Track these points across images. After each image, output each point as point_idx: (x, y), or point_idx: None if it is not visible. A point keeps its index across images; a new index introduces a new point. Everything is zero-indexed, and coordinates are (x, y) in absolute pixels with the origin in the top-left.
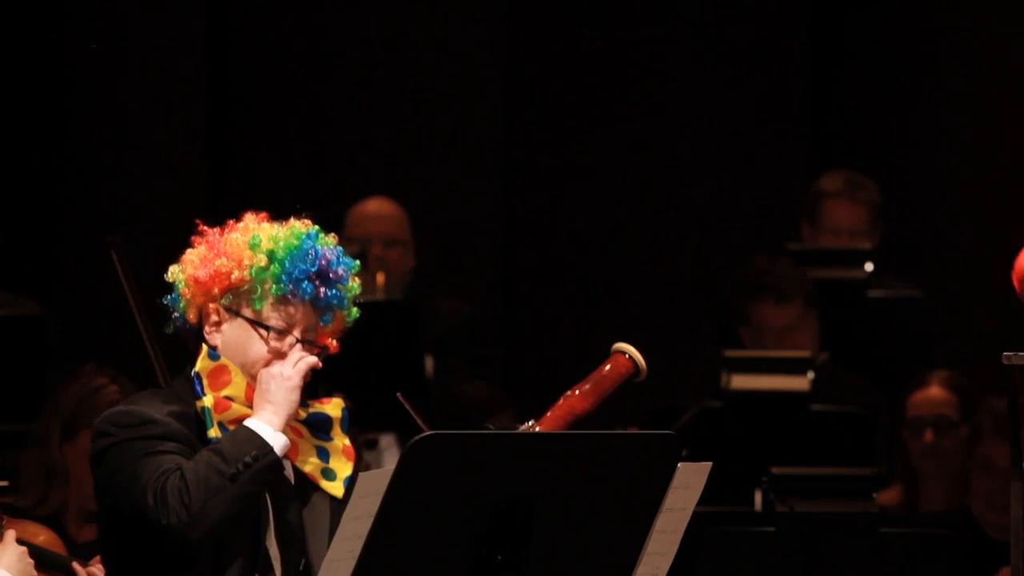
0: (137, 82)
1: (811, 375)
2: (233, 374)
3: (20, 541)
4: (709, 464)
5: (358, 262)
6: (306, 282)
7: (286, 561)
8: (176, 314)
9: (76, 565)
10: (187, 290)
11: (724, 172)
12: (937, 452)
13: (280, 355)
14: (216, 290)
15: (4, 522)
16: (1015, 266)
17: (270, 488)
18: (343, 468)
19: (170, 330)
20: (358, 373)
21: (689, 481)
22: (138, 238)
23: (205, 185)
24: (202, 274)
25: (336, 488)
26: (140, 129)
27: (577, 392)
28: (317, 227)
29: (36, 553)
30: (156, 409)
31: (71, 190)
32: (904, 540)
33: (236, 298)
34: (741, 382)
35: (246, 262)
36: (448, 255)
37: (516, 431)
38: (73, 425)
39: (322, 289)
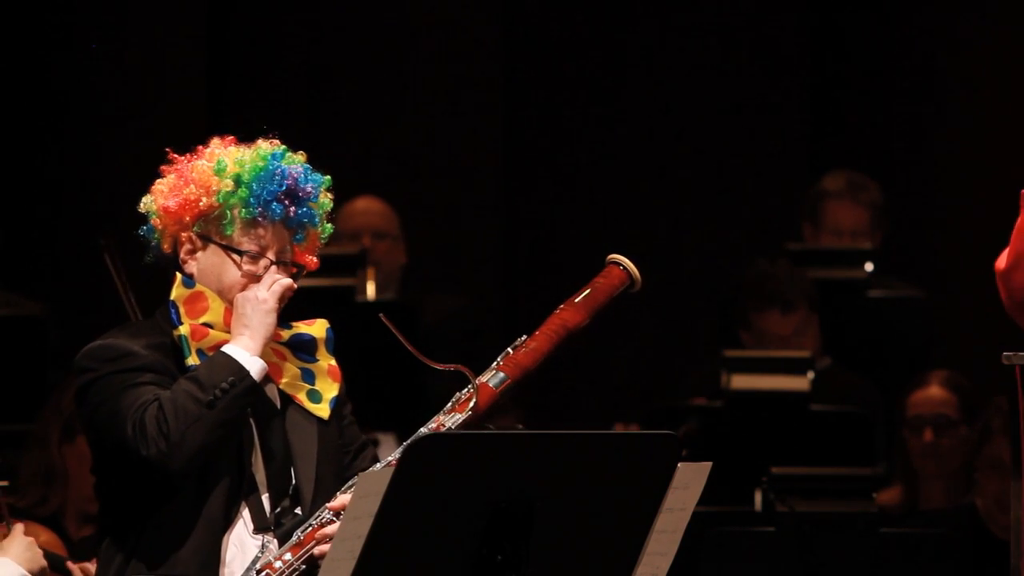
0: (137, 82)
1: (811, 375)
2: (210, 300)
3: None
4: (709, 464)
5: (328, 177)
6: (275, 203)
7: (272, 483)
8: (153, 244)
9: (70, 564)
10: (159, 220)
11: (725, 172)
12: (937, 452)
13: (255, 278)
14: (187, 218)
15: (9, 518)
16: (996, 267)
17: (254, 411)
18: (329, 389)
19: (150, 259)
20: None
21: (689, 481)
22: (138, 238)
23: None
24: (172, 203)
25: (322, 410)
26: (140, 129)
27: (569, 305)
28: (284, 147)
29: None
30: (135, 341)
31: (71, 190)
32: (904, 540)
33: (207, 225)
34: (741, 382)
35: (214, 188)
36: (448, 254)
37: (516, 431)
38: (73, 426)
39: (292, 208)
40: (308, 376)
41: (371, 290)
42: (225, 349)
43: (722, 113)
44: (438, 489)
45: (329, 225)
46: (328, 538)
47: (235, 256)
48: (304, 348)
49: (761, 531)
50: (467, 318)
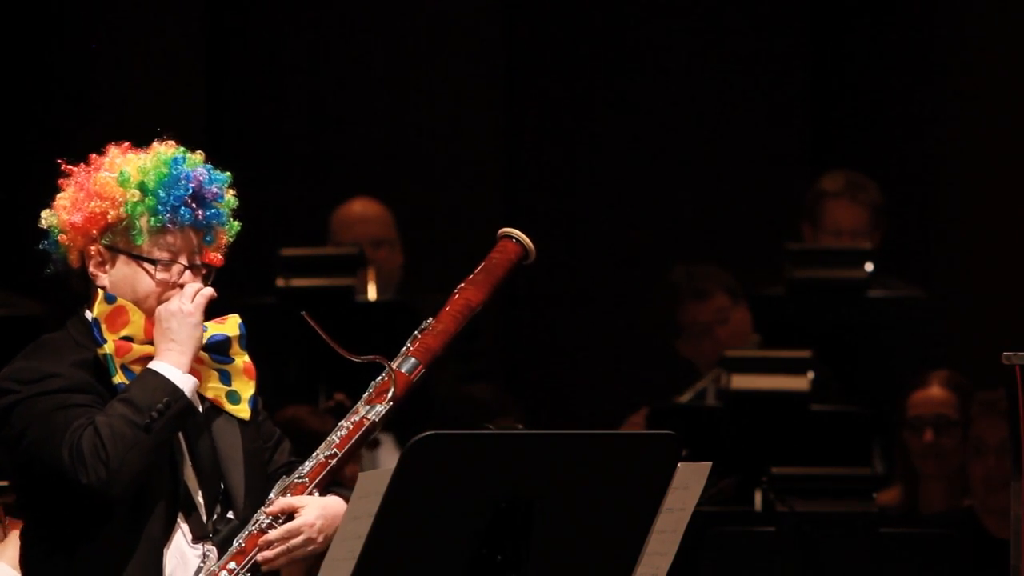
0: (137, 82)
1: (811, 375)
2: (131, 313)
3: None
4: (709, 464)
5: (229, 173)
6: (182, 208)
7: (205, 491)
8: (57, 258)
9: None
10: (65, 236)
11: (725, 172)
12: (937, 452)
13: (170, 286)
14: (94, 232)
15: (7, 521)
16: None
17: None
18: (246, 388)
19: (51, 271)
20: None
21: (689, 481)
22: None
23: None
24: (78, 219)
25: (242, 411)
26: (140, 129)
27: (470, 284)
28: (182, 149)
29: None
30: (57, 360)
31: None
32: (904, 540)
33: (115, 236)
34: (741, 382)
35: (119, 199)
36: (447, 255)
37: (516, 431)
38: None
39: (200, 211)
40: (225, 377)
41: (372, 291)
42: (155, 367)
43: (722, 113)
44: (438, 489)
45: (236, 223)
46: (270, 544)
47: (147, 266)
48: (218, 349)
49: (761, 531)
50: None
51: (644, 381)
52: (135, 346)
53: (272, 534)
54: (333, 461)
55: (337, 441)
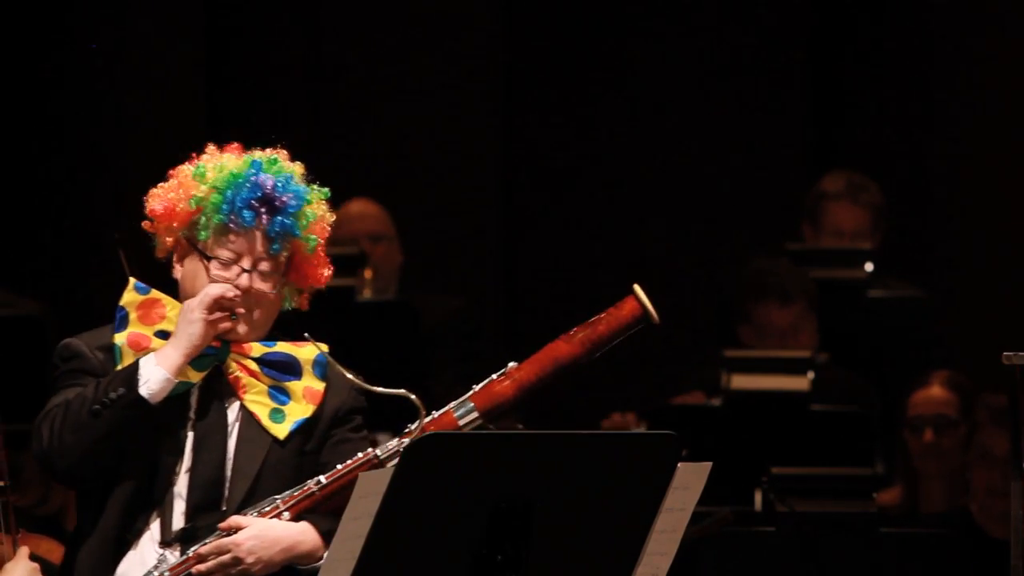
0: (137, 81)
1: (811, 375)
2: (168, 308)
3: (34, 557)
4: (709, 464)
5: (324, 189)
6: (246, 210)
7: (191, 497)
8: (155, 244)
9: None
10: (151, 224)
11: (725, 172)
12: (937, 451)
13: (243, 290)
14: (175, 223)
15: (20, 536)
16: None
17: (196, 421)
18: (298, 411)
19: (162, 259)
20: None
21: (689, 481)
22: (138, 237)
23: None
24: (159, 207)
25: (279, 430)
26: (141, 128)
27: (568, 337)
28: (275, 156)
29: (47, 569)
30: (93, 341)
31: (71, 189)
32: (904, 540)
33: (190, 230)
34: (741, 382)
35: (192, 192)
36: (447, 253)
37: (516, 431)
38: None
39: (265, 216)
40: (280, 395)
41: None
42: (144, 358)
43: (722, 113)
44: (438, 489)
45: (314, 237)
46: (202, 558)
47: (205, 261)
48: (279, 367)
49: (761, 531)
50: (467, 318)
51: (645, 382)
52: (156, 341)
53: (203, 548)
54: (317, 491)
55: (337, 470)
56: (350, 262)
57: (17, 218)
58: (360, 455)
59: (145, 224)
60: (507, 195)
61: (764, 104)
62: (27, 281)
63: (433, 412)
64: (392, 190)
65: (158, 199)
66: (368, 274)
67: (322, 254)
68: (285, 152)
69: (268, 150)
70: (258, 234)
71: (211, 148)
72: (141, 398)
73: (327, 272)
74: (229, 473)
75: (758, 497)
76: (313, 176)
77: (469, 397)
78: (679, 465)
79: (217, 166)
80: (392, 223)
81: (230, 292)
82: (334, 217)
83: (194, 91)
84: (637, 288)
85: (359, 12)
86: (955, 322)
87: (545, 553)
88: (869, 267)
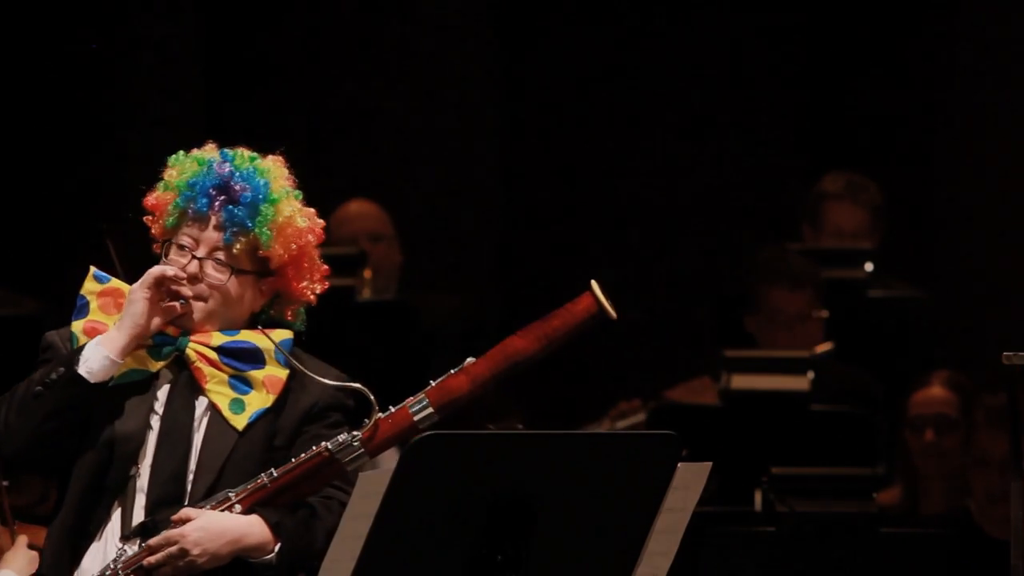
0: (137, 80)
1: (811, 375)
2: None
3: (31, 546)
4: (709, 464)
5: (297, 192)
6: (202, 196)
7: (152, 491)
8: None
9: None
10: (150, 220)
11: (725, 172)
12: (938, 451)
13: (191, 276)
14: (159, 216)
15: (16, 527)
16: None
17: (164, 415)
18: (258, 401)
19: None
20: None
21: (689, 481)
22: (138, 236)
23: None
24: (151, 201)
25: (238, 421)
26: (140, 128)
27: (524, 332)
28: (253, 154)
29: None
30: (64, 334)
31: (71, 188)
32: (904, 540)
33: (164, 219)
34: (741, 382)
35: (166, 180)
36: (447, 253)
37: (516, 431)
38: None
39: (218, 203)
40: (240, 384)
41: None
42: (90, 341)
43: (722, 113)
44: (438, 489)
45: (268, 231)
46: (152, 550)
47: (166, 246)
48: (240, 355)
49: (761, 531)
50: (466, 318)
51: (645, 382)
52: (110, 331)
53: (153, 540)
54: (269, 483)
55: (289, 464)
56: (350, 262)
57: (17, 218)
58: (313, 448)
59: (146, 219)
60: (507, 195)
61: (764, 104)
62: (27, 281)
63: (390, 407)
64: (392, 190)
65: (151, 194)
66: (368, 274)
67: (311, 269)
68: (282, 158)
69: (269, 156)
70: (212, 221)
71: (209, 145)
72: (79, 376)
73: (317, 287)
74: (193, 467)
75: (758, 497)
76: (313, 177)
77: (425, 392)
78: (679, 465)
79: (193, 155)
80: (392, 223)
81: (170, 271)
82: (322, 224)
83: (194, 91)
84: (594, 284)
85: (359, 12)
86: (955, 322)
87: (545, 553)
88: (869, 267)
